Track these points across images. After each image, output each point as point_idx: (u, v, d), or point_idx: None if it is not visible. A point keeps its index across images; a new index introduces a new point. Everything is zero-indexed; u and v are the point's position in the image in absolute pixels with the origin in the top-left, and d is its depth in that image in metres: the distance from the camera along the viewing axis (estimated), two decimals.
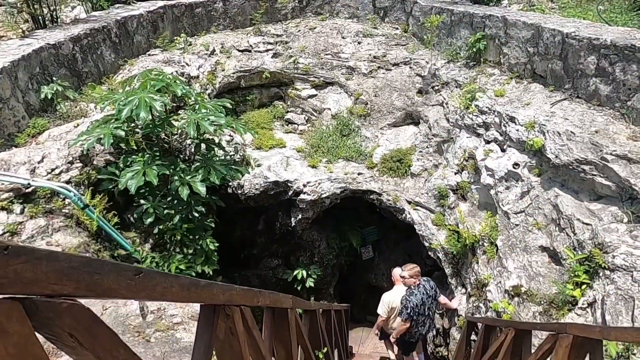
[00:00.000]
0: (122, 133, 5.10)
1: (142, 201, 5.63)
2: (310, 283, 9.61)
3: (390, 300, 6.68)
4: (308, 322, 4.22)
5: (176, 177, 5.44)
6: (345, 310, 8.19)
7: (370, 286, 11.11)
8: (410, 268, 6.29)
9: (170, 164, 5.78)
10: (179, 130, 6.29)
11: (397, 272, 6.89)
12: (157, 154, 5.91)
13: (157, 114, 5.20)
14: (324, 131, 9.80)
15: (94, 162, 5.55)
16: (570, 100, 6.39)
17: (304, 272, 9.64)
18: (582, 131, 5.65)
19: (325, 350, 4.62)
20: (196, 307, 4.29)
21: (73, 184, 5.05)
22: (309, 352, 3.86)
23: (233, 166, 6.26)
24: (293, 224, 8.91)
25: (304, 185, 8.51)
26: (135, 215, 5.72)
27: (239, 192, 7.96)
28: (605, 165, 5.22)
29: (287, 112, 10.52)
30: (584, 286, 5.07)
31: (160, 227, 5.79)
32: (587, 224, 5.28)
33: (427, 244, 7.97)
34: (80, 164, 5.30)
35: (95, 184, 5.44)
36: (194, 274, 5.80)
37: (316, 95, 10.33)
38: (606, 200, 5.33)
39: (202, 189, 5.38)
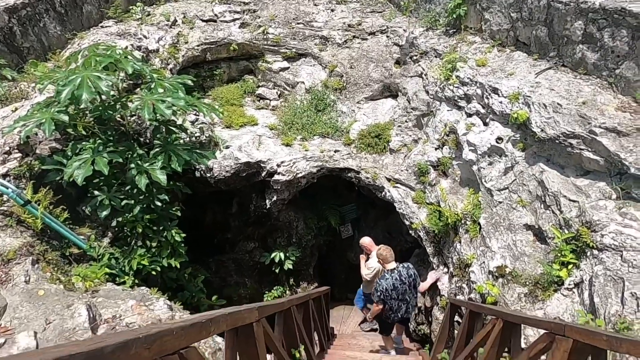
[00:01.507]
0: (66, 117, 4.49)
1: (96, 192, 5.08)
2: (288, 265, 9.29)
3: (375, 267, 7.01)
4: (282, 322, 3.87)
5: (133, 165, 4.90)
6: (326, 294, 7.93)
7: (350, 265, 10.89)
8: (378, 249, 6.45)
9: (127, 150, 5.22)
10: (137, 112, 5.68)
11: (366, 240, 7.55)
12: (111, 139, 5.33)
13: (106, 95, 4.59)
14: (298, 106, 9.26)
15: (37, 151, 4.94)
16: (556, 69, 6.04)
17: (282, 255, 9.29)
18: (569, 102, 5.33)
19: (302, 347, 4.30)
20: (157, 312, 3.87)
21: (11, 177, 4.46)
22: (283, 356, 3.52)
23: (198, 150, 5.73)
24: (268, 205, 8.48)
25: (278, 166, 8.04)
26: (89, 208, 5.17)
27: (208, 175, 7.44)
28: (593, 139, 4.93)
29: (258, 86, 9.90)
30: (570, 266, 4.87)
31: (119, 219, 5.28)
32: (574, 201, 5.04)
33: (407, 223, 7.70)
34: (20, 155, 4.69)
35: (40, 176, 4.84)
36: (159, 268, 5.35)
37: (288, 67, 9.72)
38: (594, 176, 5.08)
39: (162, 177, 4.86)
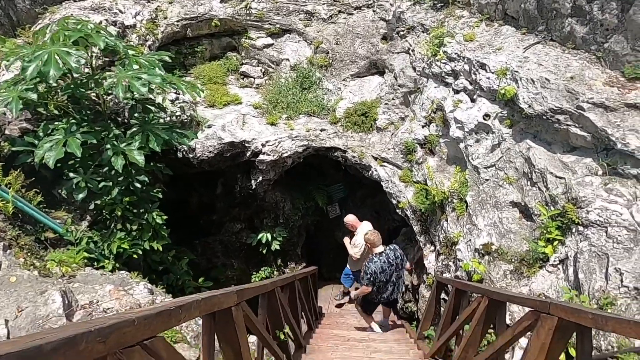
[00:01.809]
0: (34, 96, 4.26)
1: (71, 174, 4.89)
2: (275, 246, 9.23)
3: (362, 243, 7.12)
4: (266, 304, 3.80)
5: (108, 146, 4.70)
6: (313, 274, 7.90)
7: (338, 244, 10.87)
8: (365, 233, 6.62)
9: (102, 130, 5.01)
10: (111, 90, 5.44)
11: (351, 218, 7.76)
12: (86, 119, 5.11)
13: (76, 72, 4.34)
14: (283, 84, 9.03)
15: (6, 132, 4.70)
16: (544, 43, 5.92)
17: (269, 235, 9.21)
18: (557, 77, 5.23)
19: (286, 329, 4.25)
20: (137, 296, 3.76)
21: None
22: (266, 339, 3.46)
23: (179, 129, 5.53)
24: (254, 186, 8.34)
25: (263, 145, 7.87)
26: (65, 191, 4.98)
27: (191, 156, 7.24)
28: (581, 115, 4.87)
29: (242, 64, 9.60)
30: (555, 243, 4.86)
31: (97, 202, 5.11)
32: (560, 178, 5.00)
33: (394, 202, 7.65)
34: None
35: (10, 158, 4.63)
36: (140, 251, 5.22)
37: (273, 44, 9.43)
38: (580, 152, 5.03)
39: (139, 158, 4.69)
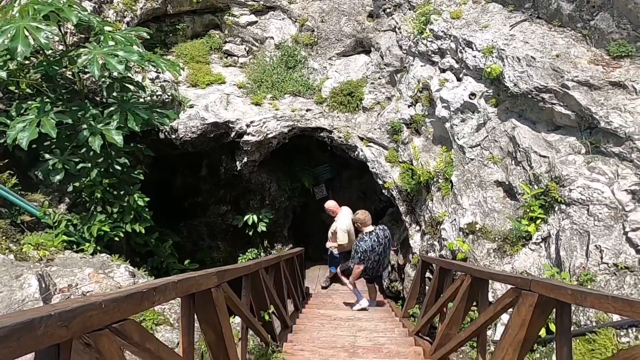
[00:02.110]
0: (4, 74, 4.07)
1: (47, 155, 4.73)
2: (262, 227, 9.19)
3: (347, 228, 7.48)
4: (250, 285, 3.76)
5: (85, 126, 4.55)
6: (299, 255, 7.91)
7: (325, 225, 10.87)
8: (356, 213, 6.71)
9: (79, 110, 4.84)
10: (85, 67, 5.24)
11: (331, 203, 7.92)
12: (62, 98, 4.92)
13: (46, 48, 4.13)
14: (268, 63, 8.85)
15: None
16: (531, 21, 5.86)
17: (255, 217, 9.16)
18: (543, 56, 5.19)
19: (271, 309, 4.24)
20: (117, 279, 3.70)
21: None
22: (250, 320, 3.44)
23: (159, 109, 5.38)
24: (239, 167, 8.24)
25: (248, 126, 7.74)
26: (41, 173, 4.83)
27: (173, 137, 7.09)
28: (565, 93, 4.85)
29: (225, 42, 9.37)
30: (538, 221, 4.91)
31: (75, 184, 4.97)
32: (544, 157, 5.01)
33: (380, 182, 7.64)
34: None
35: None
36: (122, 234, 5.12)
37: (257, 22, 9.19)
38: (564, 131, 5.04)
39: (117, 138, 4.54)
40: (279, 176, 9.62)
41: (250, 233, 9.28)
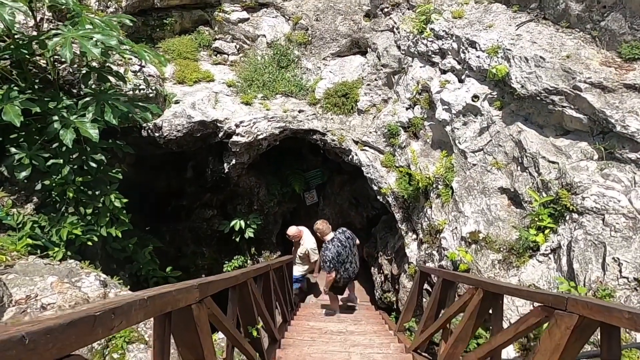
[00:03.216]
0: None
1: (12, 149, 4.25)
2: (249, 234, 8.75)
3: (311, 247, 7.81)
4: (237, 298, 3.35)
5: (56, 117, 4.09)
6: (288, 263, 7.49)
7: (315, 233, 10.49)
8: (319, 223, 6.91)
9: (51, 100, 4.38)
10: (57, 51, 4.78)
11: (293, 230, 7.86)
12: (32, 87, 4.46)
13: (11, 26, 3.68)
14: (259, 62, 8.48)
15: None
16: (537, 21, 5.61)
17: (243, 222, 8.72)
18: (553, 56, 4.93)
19: (260, 325, 3.83)
20: (85, 289, 3.25)
21: None
22: (236, 337, 3.01)
23: (140, 103, 4.94)
24: (226, 170, 7.81)
25: (237, 126, 7.33)
26: (5, 169, 4.34)
27: (157, 135, 6.64)
28: (577, 95, 4.58)
29: (215, 39, 8.97)
30: (547, 231, 4.59)
31: (45, 182, 4.49)
32: (554, 163, 4.72)
33: (375, 188, 7.28)
34: None
35: None
36: (96, 238, 4.65)
37: (248, 19, 8.83)
38: (574, 136, 4.76)
39: (92, 132, 4.10)
40: (269, 180, 9.21)
41: (237, 239, 8.84)
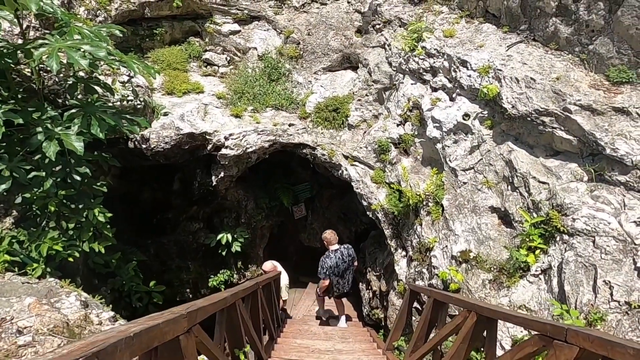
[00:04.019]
0: None
1: None
2: (236, 247, 8.60)
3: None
4: (225, 320, 3.23)
5: (40, 129, 3.96)
6: (276, 279, 7.36)
7: (303, 246, 10.39)
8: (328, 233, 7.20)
9: (35, 111, 4.24)
10: (43, 61, 4.65)
11: (268, 265, 7.71)
12: (15, 97, 4.32)
13: (1, 38, 3.57)
14: (250, 75, 8.43)
15: None
16: (527, 43, 5.69)
17: (229, 236, 8.57)
18: (543, 77, 4.99)
19: (247, 348, 3.70)
20: (65, 311, 3.10)
21: None
22: None
23: (128, 115, 4.83)
24: (214, 182, 7.69)
25: (226, 138, 7.24)
26: None
27: (144, 146, 6.50)
28: (567, 117, 4.63)
29: (206, 50, 8.91)
30: (538, 251, 4.59)
31: (26, 195, 4.33)
32: (544, 183, 4.74)
33: (365, 204, 7.24)
34: None
35: None
36: (77, 254, 4.48)
37: (240, 31, 8.80)
38: (565, 157, 4.79)
39: (77, 145, 3.97)
40: (257, 193, 9.10)
41: (224, 253, 8.68)
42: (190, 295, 8.68)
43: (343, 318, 8.03)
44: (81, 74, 4.88)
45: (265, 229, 9.55)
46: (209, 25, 8.78)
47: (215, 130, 7.23)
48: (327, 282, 7.04)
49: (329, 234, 7.10)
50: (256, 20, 8.75)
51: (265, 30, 8.71)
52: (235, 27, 8.75)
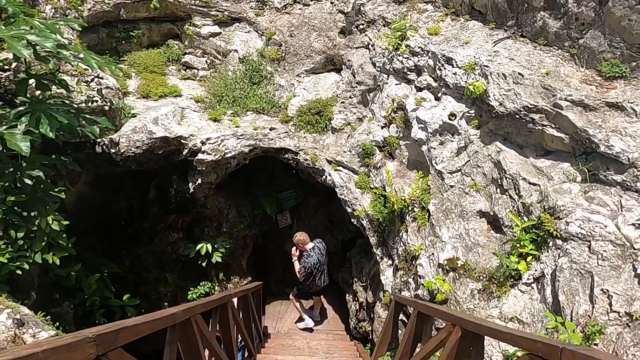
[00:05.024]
0: None
1: None
2: (217, 258, 8.18)
3: None
4: (177, 338, 2.84)
5: None
6: (256, 291, 6.96)
7: (288, 256, 9.96)
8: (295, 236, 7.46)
9: None
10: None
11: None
12: None
13: None
14: (230, 77, 8.11)
15: None
16: (514, 39, 5.42)
17: (210, 246, 8.15)
18: (532, 73, 4.70)
19: None
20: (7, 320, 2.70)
21: None
22: None
23: (88, 115, 4.46)
24: (192, 189, 7.30)
25: (203, 143, 6.88)
26: None
27: (113, 151, 6.12)
28: (558, 114, 4.33)
29: (185, 53, 8.59)
30: (529, 258, 4.26)
31: None
32: (535, 185, 4.42)
33: (350, 210, 6.89)
34: None
35: None
36: (27, 266, 4.08)
37: (220, 33, 8.50)
38: (556, 156, 4.49)
39: (23, 145, 3.60)
40: (239, 201, 8.71)
41: (204, 264, 8.25)
42: None
43: (317, 311, 8.57)
44: (43, 71, 4.53)
45: (249, 239, 9.15)
46: (188, 28, 8.48)
47: (192, 135, 6.87)
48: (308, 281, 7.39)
49: (301, 236, 7.31)
50: (237, 22, 8.46)
51: (246, 32, 8.42)
52: (216, 29, 8.45)
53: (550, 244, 4.08)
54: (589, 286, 3.61)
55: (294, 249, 7.57)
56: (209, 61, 8.53)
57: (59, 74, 4.29)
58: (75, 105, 4.82)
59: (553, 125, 4.39)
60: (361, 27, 7.49)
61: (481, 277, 4.57)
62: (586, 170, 4.10)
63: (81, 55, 4.20)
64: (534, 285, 4.20)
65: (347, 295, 8.30)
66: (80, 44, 6.62)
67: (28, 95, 4.32)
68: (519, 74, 4.70)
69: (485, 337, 2.88)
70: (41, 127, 3.77)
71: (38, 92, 4.62)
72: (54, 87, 4.86)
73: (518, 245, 4.33)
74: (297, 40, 8.07)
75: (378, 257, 6.57)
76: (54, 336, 3.13)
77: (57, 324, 4.87)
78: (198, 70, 8.47)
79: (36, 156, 4.21)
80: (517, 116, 4.64)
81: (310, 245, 7.31)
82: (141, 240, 8.18)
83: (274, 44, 8.19)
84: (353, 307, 7.95)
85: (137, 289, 7.85)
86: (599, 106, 4.20)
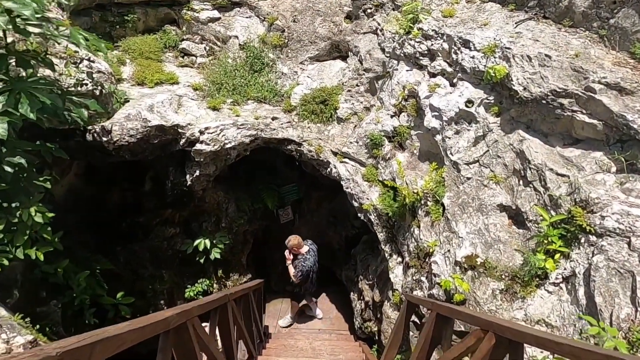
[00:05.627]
0: None
1: None
2: (216, 254, 7.82)
3: None
4: (173, 344, 2.47)
5: None
6: (256, 289, 6.60)
7: (290, 249, 9.60)
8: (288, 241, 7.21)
9: None
10: None
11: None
12: None
13: None
14: (230, 65, 7.72)
15: None
16: (537, 20, 5.04)
17: (208, 242, 7.79)
18: (560, 54, 4.32)
19: None
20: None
21: None
22: None
23: (75, 97, 4.07)
24: (189, 182, 6.93)
25: (201, 132, 6.49)
26: None
27: (105, 139, 5.73)
28: (590, 98, 3.96)
29: (183, 39, 8.20)
30: (557, 255, 3.89)
31: None
32: (563, 176, 4.06)
33: (356, 204, 6.51)
34: None
35: None
36: (7, 261, 3.70)
37: (219, 18, 8.09)
38: (586, 145, 4.12)
39: (0, 128, 3.21)
40: (239, 195, 8.33)
41: (202, 261, 7.88)
42: (165, 307, 7.86)
43: (318, 310, 8.54)
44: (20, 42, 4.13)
45: (249, 234, 8.78)
46: (186, 12, 8.08)
47: (189, 124, 6.48)
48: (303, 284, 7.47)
49: (295, 240, 7.11)
50: (237, 6, 8.06)
51: (247, 17, 8.02)
52: (215, 14, 8.05)
53: (582, 240, 3.72)
54: (629, 287, 3.25)
55: (287, 252, 7.32)
56: (207, 48, 8.13)
57: (47, 57, 3.88)
58: (70, 90, 4.42)
59: (584, 111, 4.02)
60: (369, 11, 7.09)
61: (503, 276, 4.21)
62: (623, 159, 3.73)
63: (67, 32, 3.80)
64: (563, 285, 3.84)
65: (351, 293, 7.95)
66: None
67: (9, 74, 3.92)
68: (546, 55, 4.32)
69: (523, 348, 2.53)
70: (20, 108, 3.37)
71: (22, 73, 4.25)
72: (40, 71, 4.48)
73: (545, 241, 3.96)
74: (300, 25, 7.67)
75: (386, 254, 6.20)
76: (31, 341, 2.76)
77: (44, 324, 4.51)
78: (196, 57, 8.07)
79: (17, 141, 3.82)
80: (544, 101, 4.26)
81: (304, 248, 7.24)
82: (136, 236, 7.79)
83: (277, 29, 7.79)
84: (358, 306, 7.59)
85: (132, 286, 7.47)
86: (636, 89, 3.82)
